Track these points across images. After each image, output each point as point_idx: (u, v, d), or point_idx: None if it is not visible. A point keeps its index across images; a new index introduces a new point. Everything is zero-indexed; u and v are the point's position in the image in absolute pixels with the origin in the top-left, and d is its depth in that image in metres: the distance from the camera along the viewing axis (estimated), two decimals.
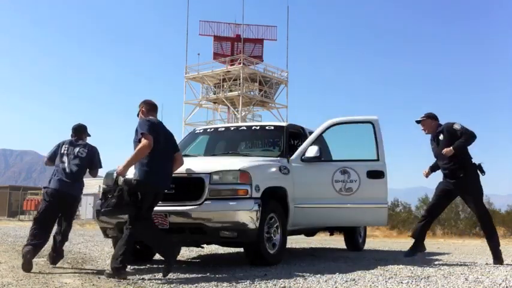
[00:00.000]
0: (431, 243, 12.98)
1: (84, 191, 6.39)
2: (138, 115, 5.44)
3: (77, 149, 6.02)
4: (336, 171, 6.70)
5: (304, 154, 6.69)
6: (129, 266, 5.95)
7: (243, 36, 37.69)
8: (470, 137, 6.35)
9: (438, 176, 6.81)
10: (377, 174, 6.74)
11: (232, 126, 8.18)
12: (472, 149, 6.51)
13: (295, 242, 11.19)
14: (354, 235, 8.92)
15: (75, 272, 5.42)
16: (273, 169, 6.29)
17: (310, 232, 8.54)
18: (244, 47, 37.40)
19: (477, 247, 11.62)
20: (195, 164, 6.27)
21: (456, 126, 6.42)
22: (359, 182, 6.68)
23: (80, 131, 6.20)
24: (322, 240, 13.04)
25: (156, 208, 5.58)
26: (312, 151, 6.63)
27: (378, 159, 6.84)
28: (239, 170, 5.65)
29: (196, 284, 4.59)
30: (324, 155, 7.07)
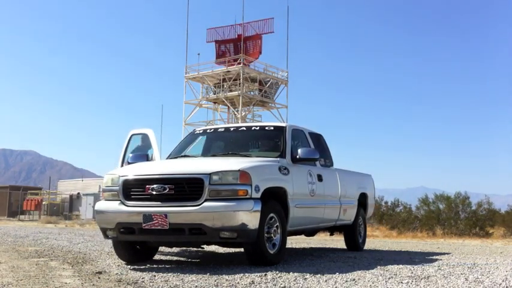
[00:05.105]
0: (431, 243, 12.99)
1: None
2: None
3: None
4: (307, 173, 7.09)
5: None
6: (129, 266, 5.96)
7: (243, 35, 37.60)
8: None
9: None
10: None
11: (232, 127, 8.17)
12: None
13: (295, 242, 11.20)
14: (354, 235, 8.92)
15: (75, 272, 5.42)
16: (273, 169, 6.30)
17: (310, 232, 8.55)
18: (246, 47, 37.31)
19: (477, 247, 11.62)
20: (194, 164, 6.26)
21: None
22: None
23: None
24: (322, 240, 13.05)
25: (156, 209, 5.59)
26: (303, 152, 6.81)
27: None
28: (239, 170, 5.65)
29: (197, 284, 4.60)
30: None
